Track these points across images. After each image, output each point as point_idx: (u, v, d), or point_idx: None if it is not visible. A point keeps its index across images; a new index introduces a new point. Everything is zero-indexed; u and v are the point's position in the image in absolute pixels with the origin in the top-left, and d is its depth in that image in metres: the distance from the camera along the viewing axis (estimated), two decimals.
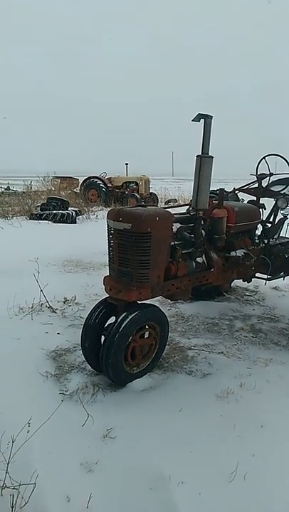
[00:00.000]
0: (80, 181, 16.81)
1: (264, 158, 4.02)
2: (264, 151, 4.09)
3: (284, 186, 3.97)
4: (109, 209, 3.43)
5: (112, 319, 2.72)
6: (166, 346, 3.06)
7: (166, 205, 8.43)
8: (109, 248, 2.80)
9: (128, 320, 2.58)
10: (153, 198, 15.54)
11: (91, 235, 7.72)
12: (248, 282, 4.17)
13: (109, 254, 2.82)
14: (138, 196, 14.28)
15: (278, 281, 4.31)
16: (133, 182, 15.48)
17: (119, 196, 15.00)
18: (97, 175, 15.69)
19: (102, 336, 2.70)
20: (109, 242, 2.79)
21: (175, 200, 15.23)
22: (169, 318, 3.26)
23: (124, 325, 2.55)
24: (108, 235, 2.78)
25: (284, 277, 4.06)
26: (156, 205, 11.30)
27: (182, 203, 4.63)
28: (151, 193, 16.02)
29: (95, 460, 1.98)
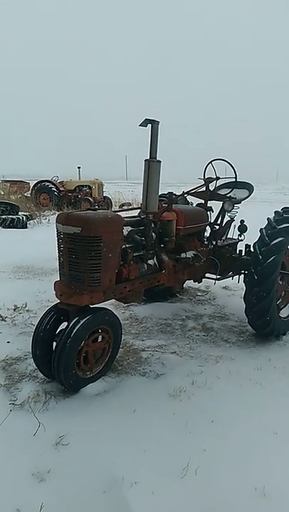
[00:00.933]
0: (31, 185, 16.38)
1: (210, 163, 4.17)
2: (211, 156, 4.26)
3: (230, 190, 4.15)
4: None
5: (64, 325, 2.68)
6: (120, 349, 3.07)
7: (118, 209, 8.47)
8: (59, 253, 2.76)
9: (80, 325, 2.56)
10: (107, 202, 15.50)
11: (43, 239, 7.53)
12: (198, 283, 4.31)
13: (59, 259, 2.78)
14: (91, 200, 14.18)
15: (228, 281, 4.49)
16: (86, 186, 15.36)
17: (72, 200, 14.80)
18: (49, 179, 15.38)
19: (54, 343, 2.66)
20: (58, 247, 2.75)
21: (129, 204, 15.31)
22: (122, 321, 3.28)
23: (76, 330, 2.53)
24: (58, 240, 2.75)
25: (233, 277, 4.23)
26: (110, 209, 11.28)
27: (135, 207, 4.69)
28: (105, 196, 15.98)
29: (46, 469, 1.94)
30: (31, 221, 10.97)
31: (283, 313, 3.83)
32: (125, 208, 10.50)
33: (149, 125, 2.92)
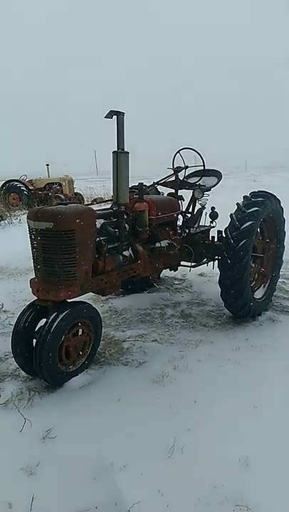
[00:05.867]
0: None
1: (178, 152, 4.22)
2: (178, 146, 4.30)
3: (199, 178, 4.22)
4: None
5: (43, 322, 2.68)
6: (101, 341, 3.10)
7: (89, 203, 8.41)
8: (32, 249, 2.74)
9: (59, 319, 2.56)
10: (78, 198, 15.31)
11: (15, 239, 7.38)
12: (174, 271, 4.37)
13: (33, 256, 2.76)
14: (62, 197, 13.98)
15: (203, 268, 4.58)
16: (56, 183, 15.11)
17: (42, 198, 14.54)
18: (17, 178, 15.04)
19: (34, 340, 2.65)
20: (31, 244, 2.73)
21: (101, 199, 15.19)
22: (102, 314, 3.30)
23: (55, 325, 2.53)
24: (30, 236, 2.72)
25: (207, 263, 4.32)
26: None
27: (107, 199, 4.70)
28: (76, 193, 15.78)
29: (35, 462, 1.96)
30: (1, 222, 10.71)
31: (257, 295, 3.96)
32: (97, 201, 10.45)
33: (115, 117, 2.93)
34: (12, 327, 2.77)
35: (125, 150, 3.04)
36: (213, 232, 4.32)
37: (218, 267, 3.70)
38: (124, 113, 2.95)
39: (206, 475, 1.87)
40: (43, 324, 2.62)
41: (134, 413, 2.35)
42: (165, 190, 4.46)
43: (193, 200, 4.32)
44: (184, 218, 4.23)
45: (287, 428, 2.21)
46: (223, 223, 3.85)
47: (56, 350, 2.58)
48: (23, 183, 14.71)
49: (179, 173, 4.21)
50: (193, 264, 4.12)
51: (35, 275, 2.79)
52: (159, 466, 1.92)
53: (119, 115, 2.94)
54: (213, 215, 4.24)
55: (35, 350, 2.56)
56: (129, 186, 3.25)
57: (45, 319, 2.66)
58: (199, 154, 4.13)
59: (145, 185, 4.10)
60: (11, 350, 2.74)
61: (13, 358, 2.75)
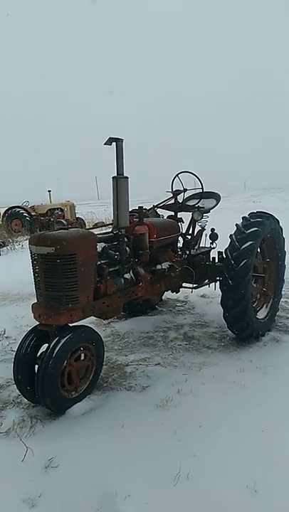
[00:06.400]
0: (1, 212, 16.19)
1: (177, 175, 4.31)
2: (176, 169, 4.39)
3: (197, 200, 4.28)
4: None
5: (45, 347, 2.66)
6: (104, 366, 3.06)
7: (91, 227, 8.50)
8: (34, 274, 2.76)
9: (61, 344, 2.55)
10: (80, 223, 15.49)
11: (18, 265, 7.43)
12: (176, 293, 4.37)
13: (35, 281, 2.78)
14: (64, 222, 14.14)
15: (205, 289, 4.57)
16: (58, 208, 15.33)
17: (44, 224, 14.71)
18: (19, 204, 15.27)
19: (36, 366, 2.63)
20: (33, 268, 2.76)
21: (102, 223, 15.34)
22: (104, 338, 3.28)
23: (57, 350, 2.52)
24: (32, 261, 2.75)
25: (209, 284, 4.32)
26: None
27: (108, 223, 4.76)
28: (78, 217, 15.97)
29: (38, 493, 1.90)
30: (4, 248, 10.81)
31: (260, 315, 3.94)
32: (98, 225, 10.55)
33: (114, 143, 3.02)
34: (13, 353, 2.75)
35: (124, 175, 3.11)
36: (213, 254, 4.34)
37: (220, 287, 3.70)
38: (122, 139, 3.04)
39: (213, 503, 1.81)
40: (44, 350, 2.60)
41: (138, 439, 2.29)
42: (165, 213, 4.51)
43: (192, 222, 4.37)
44: (184, 240, 4.27)
45: None
46: (223, 244, 3.88)
47: (58, 376, 2.55)
48: (25, 210, 14.92)
49: (178, 196, 4.28)
50: (194, 285, 4.12)
51: (37, 300, 2.80)
52: (165, 494, 1.86)
53: (118, 141, 3.02)
54: (213, 236, 4.28)
55: (37, 377, 2.53)
56: (130, 210, 3.31)
57: (47, 344, 2.64)
58: (198, 177, 4.21)
59: (145, 209, 4.17)
60: (12, 377, 2.71)
61: (15, 385, 2.71)
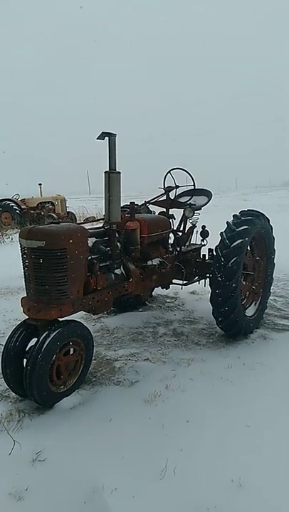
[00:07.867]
0: None
1: (169, 172, 4.31)
2: (169, 166, 4.39)
3: (189, 197, 4.29)
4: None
5: (34, 341, 2.65)
6: (93, 361, 3.07)
7: (82, 222, 8.47)
8: (24, 268, 2.74)
9: (50, 338, 2.54)
10: (71, 217, 15.39)
11: (7, 259, 7.38)
12: (166, 289, 4.38)
13: (24, 275, 2.76)
14: (55, 216, 14.03)
15: (195, 286, 4.60)
16: (48, 202, 15.19)
17: (35, 217, 14.58)
18: (9, 197, 15.10)
19: (25, 360, 2.62)
20: (23, 262, 2.74)
21: (93, 218, 15.27)
22: (94, 333, 3.28)
23: (46, 344, 2.51)
24: (22, 255, 2.73)
25: (199, 281, 4.34)
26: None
27: (99, 218, 4.72)
28: (69, 212, 15.86)
29: (24, 487, 1.90)
30: None
31: (249, 312, 3.98)
32: (89, 220, 10.50)
33: (106, 138, 3.00)
34: (1, 347, 2.74)
35: (117, 170, 3.10)
36: (204, 251, 4.36)
37: (210, 284, 3.72)
38: (115, 134, 3.02)
39: (199, 496, 1.84)
40: (33, 344, 2.59)
41: (125, 434, 2.31)
42: (156, 210, 4.52)
43: (184, 219, 4.38)
44: (175, 237, 4.28)
45: (280, 447, 2.19)
46: (214, 241, 3.90)
47: (47, 370, 2.54)
48: (15, 202, 14.77)
49: (169, 193, 4.28)
50: (184, 282, 4.14)
51: (27, 294, 2.78)
52: (151, 488, 1.88)
53: (111, 136, 3.00)
54: (204, 234, 4.30)
55: (25, 371, 2.52)
56: (121, 205, 3.30)
57: (36, 339, 2.63)
58: (190, 174, 4.22)
59: (137, 205, 4.16)
60: (0, 370, 2.70)
61: (3, 379, 2.70)
